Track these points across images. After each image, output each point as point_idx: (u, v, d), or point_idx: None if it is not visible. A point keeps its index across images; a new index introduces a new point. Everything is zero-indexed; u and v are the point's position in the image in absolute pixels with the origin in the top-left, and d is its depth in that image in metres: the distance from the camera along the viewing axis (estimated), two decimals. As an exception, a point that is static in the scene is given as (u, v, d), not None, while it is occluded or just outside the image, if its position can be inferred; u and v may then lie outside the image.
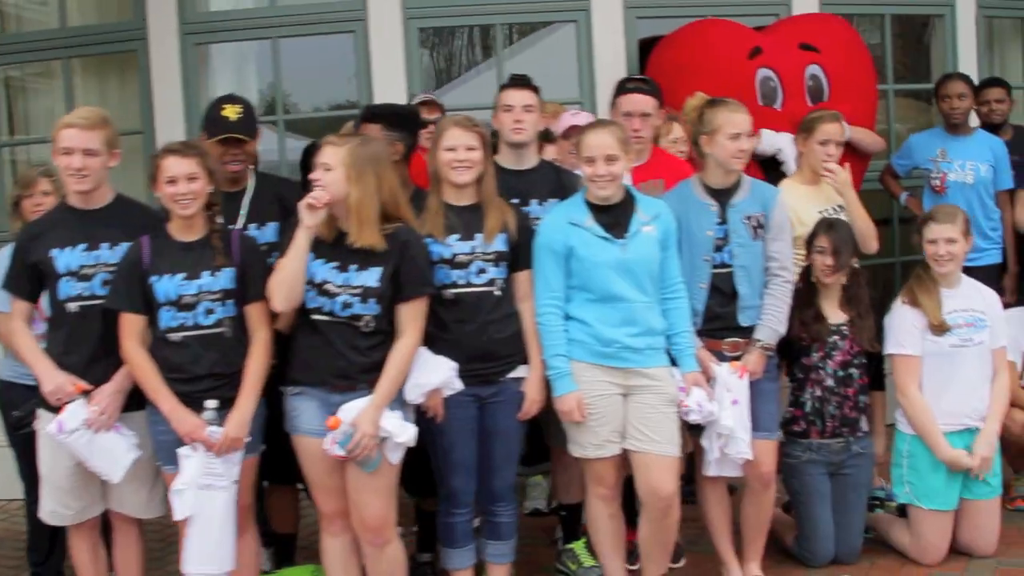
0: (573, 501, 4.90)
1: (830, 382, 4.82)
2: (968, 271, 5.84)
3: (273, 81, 6.59)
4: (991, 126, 6.34)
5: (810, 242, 4.84)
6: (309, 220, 3.99)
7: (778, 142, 5.74)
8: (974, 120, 6.28)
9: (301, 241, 4.00)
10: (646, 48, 6.41)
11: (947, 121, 6.16)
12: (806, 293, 4.84)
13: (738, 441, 4.50)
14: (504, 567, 4.55)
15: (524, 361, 4.40)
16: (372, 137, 4.37)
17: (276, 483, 4.81)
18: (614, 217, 4.38)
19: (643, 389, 4.36)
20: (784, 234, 4.62)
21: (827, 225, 4.84)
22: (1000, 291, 5.91)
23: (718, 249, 4.55)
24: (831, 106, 5.78)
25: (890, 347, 4.84)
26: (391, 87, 6.18)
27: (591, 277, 4.34)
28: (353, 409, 4.03)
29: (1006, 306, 5.58)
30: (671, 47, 6.18)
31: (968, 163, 6.06)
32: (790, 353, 4.83)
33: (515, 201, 4.69)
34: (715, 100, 4.60)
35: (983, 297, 4.93)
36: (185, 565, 4.09)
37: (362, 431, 3.97)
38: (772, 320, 4.56)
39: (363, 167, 4.04)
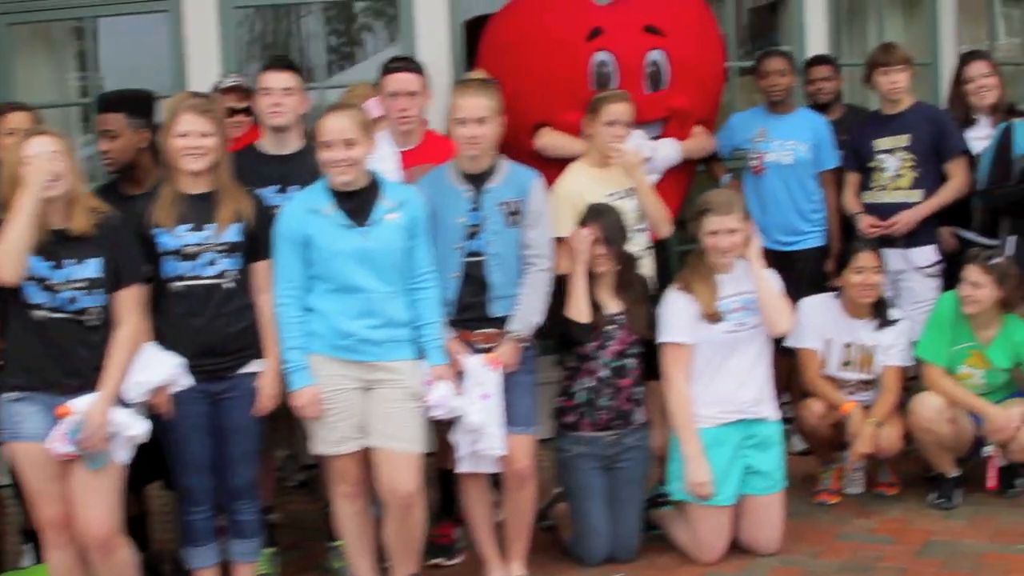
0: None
1: (604, 372, 4.65)
2: (790, 255, 5.75)
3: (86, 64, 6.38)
4: (819, 105, 6.14)
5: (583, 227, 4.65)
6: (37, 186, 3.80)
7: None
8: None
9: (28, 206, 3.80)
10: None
11: (767, 99, 5.96)
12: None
13: (489, 437, 4.35)
14: (249, 566, 4.40)
15: (260, 355, 4.24)
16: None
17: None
18: (357, 204, 4.21)
19: (384, 383, 4.21)
20: (541, 220, 4.45)
21: (595, 211, 4.66)
22: (824, 275, 5.77)
23: (471, 237, 4.39)
24: (668, 96, 5.61)
25: (661, 335, 4.66)
26: (206, 71, 5.97)
27: (329, 267, 4.18)
28: (83, 402, 3.88)
29: (822, 290, 5.45)
30: (506, 22, 5.92)
31: (788, 143, 5.87)
32: (563, 342, 4.65)
33: (275, 187, 4.53)
34: (460, 81, 4.42)
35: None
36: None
37: (93, 421, 3.82)
38: (527, 310, 4.39)
39: (73, 153, 3.91)
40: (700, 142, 5.81)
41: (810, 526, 5.05)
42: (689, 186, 5.98)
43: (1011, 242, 5.43)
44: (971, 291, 5.03)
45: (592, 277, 4.65)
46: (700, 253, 4.72)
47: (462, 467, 4.45)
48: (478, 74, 4.83)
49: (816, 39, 6.59)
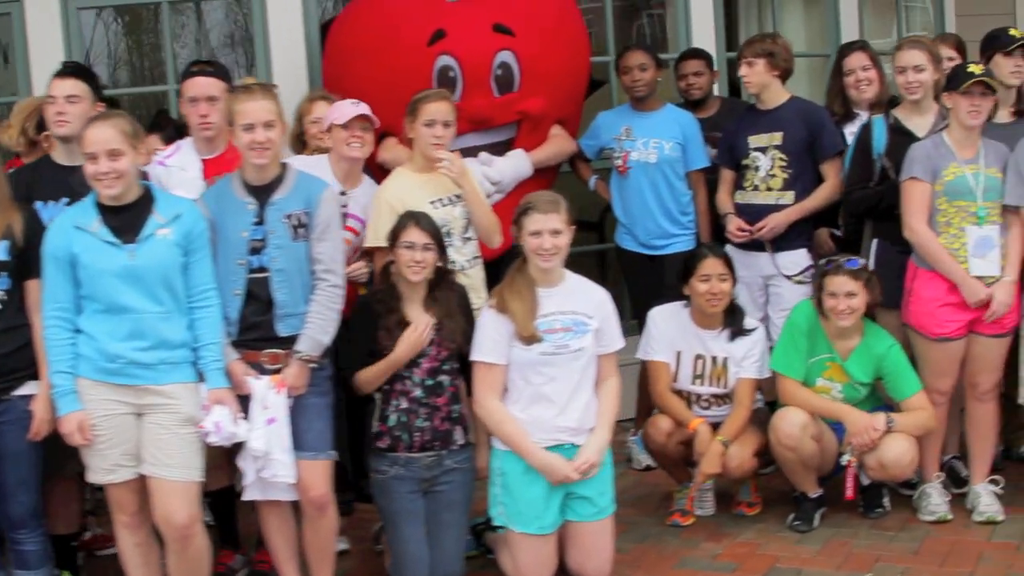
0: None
1: (417, 392, 4.36)
2: (658, 259, 5.45)
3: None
4: (693, 102, 5.82)
5: (394, 238, 4.37)
6: None
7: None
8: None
9: None
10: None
11: (630, 96, 5.65)
12: (386, 296, 4.39)
13: (275, 463, 4.09)
14: (35, 598, 4.17)
15: (36, 376, 4.01)
16: None
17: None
18: (125, 220, 3.97)
19: (157, 408, 3.96)
20: (330, 233, 4.18)
21: (413, 218, 4.37)
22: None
23: (255, 252, 4.12)
24: (520, 99, 5.32)
25: (473, 353, 4.36)
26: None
27: (96, 286, 3.94)
28: None
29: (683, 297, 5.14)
30: (347, 26, 5.61)
31: (652, 141, 5.56)
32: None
33: (66, 200, 4.29)
34: (235, 87, 4.17)
35: (590, 297, 4.43)
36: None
37: None
38: (314, 329, 4.12)
39: None
40: (555, 147, 5.52)
41: (655, 550, 4.76)
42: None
43: (874, 246, 5.09)
44: (846, 302, 4.69)
45: (401, 290, 4.36)
46: (520, 266, 4.41)
47: (250, 495, 4.19)
48: (251, 80, 4.57)
49: (703, 33, 6.25)
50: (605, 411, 4.40)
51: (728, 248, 5.42)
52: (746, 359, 4.91)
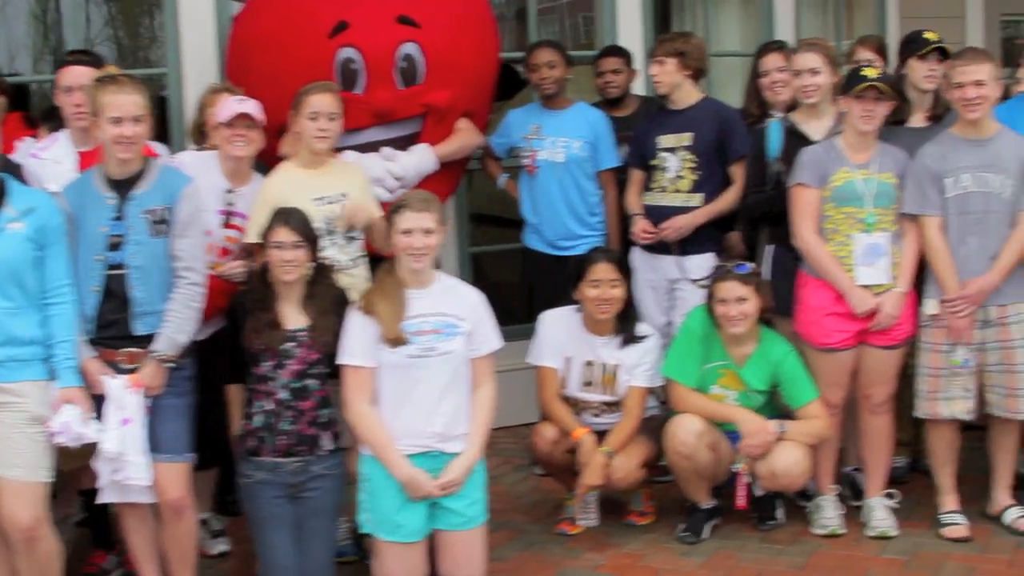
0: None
1: (283, 394, 4.26)
2: (566, 260, 5.34)
3: None
4: (610, 100, 5.71)
5: (265, 238, 4.27)
6: None
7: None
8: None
9: None
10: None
11: (539, 94, 5.53)
12: (262, 295, 4.29)
13: (131, 465, 4.00)
14: None
15: None
16: None
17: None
18: (-25, 213, 3.87)
19: (4, 407, 3.86)
20: (192, 230, 4.09)
21: (283, 216, 4.27)
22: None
23: (114, 248, 4.02)
24: (425, 92, 5.22)
25: (340, 356, 4.27)
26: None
27: (-56, 281, 3.83)
28: None
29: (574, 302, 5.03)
30: (249, 18, 5.48)
31: (560, 140, 5.45)
32: (243, 362, 4.29)
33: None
34: (102, 78, 4.07)
35: (462, 299, 4.33)
36: None
37: None
38: (172, 328, 4.03)
39: None
40: (461, 140, 5.39)
41: (536, 559, 4.67)
42: (454, 188, 5.60)
43: (770, 252, 4.97)
44: (737, 308, 4.58)
45: (276, 289, 4.27)
46: (389, 267, 4.31)
47: (105, 497, 4.10)
48: (114, 69, 4.46)
49: (630, 32, 6.12)
50: (476, 423, 4.29)
51: (635, 250, 5.34)
52: (637, 367, 4.80)
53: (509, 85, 5.65)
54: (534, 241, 5.57)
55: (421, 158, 5.25)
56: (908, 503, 4.95)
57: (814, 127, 4.88)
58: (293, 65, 5.08)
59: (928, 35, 4.95)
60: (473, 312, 4.32)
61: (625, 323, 4.83)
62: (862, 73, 4.58)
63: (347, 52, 5.12)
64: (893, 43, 6.93)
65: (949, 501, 4.79)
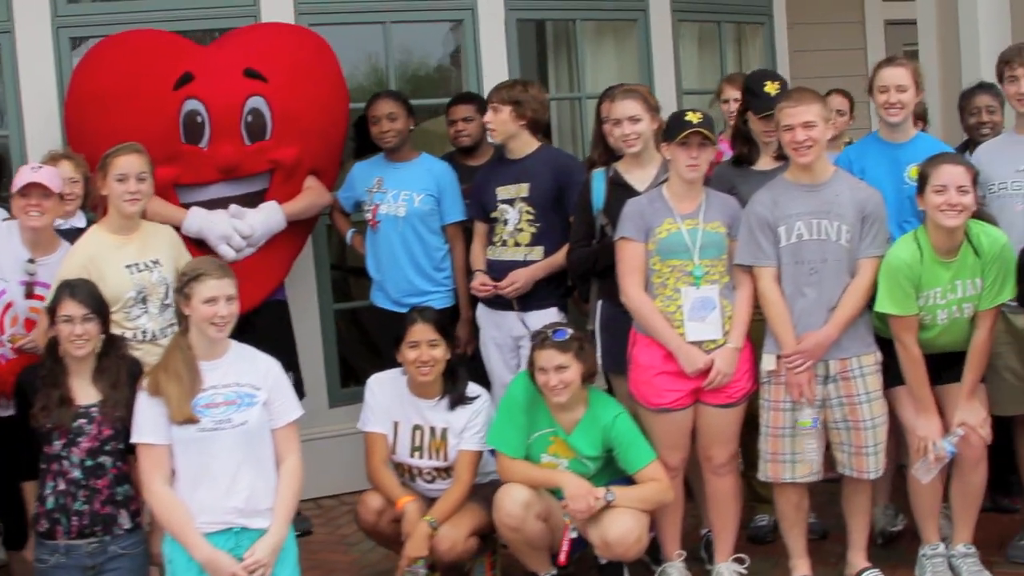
0: None
1: (76, 473, 4.03)
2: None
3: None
4: (464, 149, 5.51)
5: (52, 310, 4.06)
6: None
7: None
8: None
9: None
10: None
11: (381, 146, 5.34)
12: (52, 371, 4.08)
13: None
14: None
15: None
16: None
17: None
18: None
19: None
20: None
21: (68, 289, 4.07)
22: (456, 341, 5.15)
23: None
24: (272, 147, 5.07)
25: (133, 435, 4.04)
26: None
27: None
28: None
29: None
30: (90, 70, 5.30)
31: (402, 193, 5.25)
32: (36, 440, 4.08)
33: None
34: None
35: (257, 367, 4.11)
36: None
37: None
38: None
39: None
40: (309, 199, 5.28)
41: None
42: (301, 247, 5.42)
43: (598, 308, 4.75)
44: (557, 376, 4.35)
45: (67, 363, 4.06)
46: (179, 340, 4.08)
47: None
48: None
49: (495, 76, 5.90)
50: (281, 498, 4.06)
51: (480, 307, 5.12)
52: (467, 430, 4.57)
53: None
54: (379, 298, 5.36)
55: (269, 216, 5.11)
56: (765, 566, 4.69)
57: (638, 177, 4.67)
58: (136, 119, 4.96)
59: (768, 88, 4.74)
60: (267, 379, 4.10)
61: (453, 384, 4.60)
62: (685, 119, 4.36)
63: (192, 104, 5.03)
64: (784, 75, 6.79)
65: (800, 565, 4.54)
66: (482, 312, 5.11)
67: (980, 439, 4.41)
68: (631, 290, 4.43)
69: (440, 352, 4.52)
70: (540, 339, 4.40)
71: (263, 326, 5.30)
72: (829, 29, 7.24)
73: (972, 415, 4.39)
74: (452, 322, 5.27)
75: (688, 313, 4.37)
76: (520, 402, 4.47)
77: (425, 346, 4.50)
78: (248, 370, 4.08)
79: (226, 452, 3.98)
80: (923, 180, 4.28)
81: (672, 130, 4.38)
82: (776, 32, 6.98)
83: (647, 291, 4.44)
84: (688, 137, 4.32)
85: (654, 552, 4.66)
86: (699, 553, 4.77)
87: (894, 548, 4.81)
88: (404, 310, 5.18)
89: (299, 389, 5.47)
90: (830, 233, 4.34)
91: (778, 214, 4.36)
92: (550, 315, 4.95)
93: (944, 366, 4.43)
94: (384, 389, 4.65)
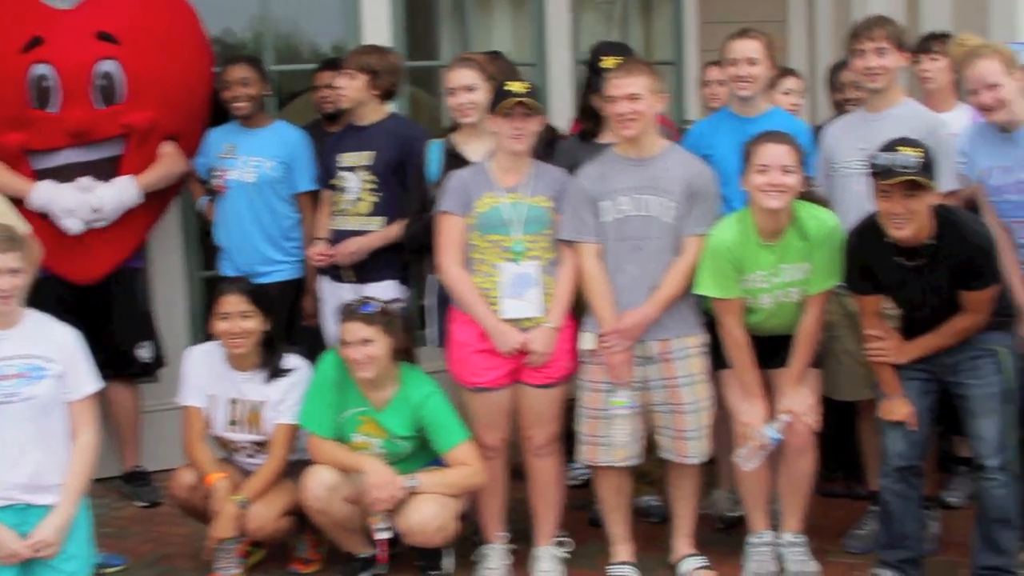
0: None
1: None
2: (260, 288, 4.99)
3: None
4: (328, 116, 5.39)
5: None
6: None
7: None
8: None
9: None
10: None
11: (233, 113, 5.21)
12: None
13: None
14: None
15: None
16: None
17: None
18: None
19: None
20: None
21: None
22: (300, 313, 5.05)
23: None
24: (125, 111, 4.99)
25: None
26: None
27: None
28: None
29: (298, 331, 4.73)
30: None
31: (253, 159, 5.12)
32: None
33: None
34: None
35: (51, 339, 4.01)
36: None
37: None
38: None
39: None
40: (165, 168, 5.19)
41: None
42: (158, 217, 5.32)
43: (432, 283, 4.62)
44: (361, 351, 4.23)
45: None
46: None
47: None
48: None
49: (378, 40, 5.73)
50: (72, 475, 3.99)
51: (322, 278, 5.01)
52: (283, 402, 4.45)
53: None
54: (227, 267, 5.23)
55: (122, 192, 5.06)
56: (588, 549, 4.58)
57: (474, 148, 4.52)
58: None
59: (605, 62, 4.58)
60: (63, 352, 4.00)
61: (270, 356, 4.48)
62: (507, 88, 4.21)
63: (40, 68, 4.94)
64: (692, 49, 6.62)
65: (621, 551, 4.42)
66: (325, 283, 5.00)
67: (805, 426, 4.26)
68: (447, 265, 4.30)
69: (252, 324, 4.41)
70: (346, 311, 4.28)
71: (118, 293, 5.23)
72: (746, 1, 7.00)
73: (798, 401, 4.24)
74: (301, 294, 5.18)
75: (506, 290, 4.23)
76: (330, 379, 4.35)
77: (237, 317, 4.39)
78: (41, 341, 3.99)
79: (14, 426, 3.90)
80: (746, 159, 4.12)
81: (495, 100, 4.23)
82: (685, 3, 6.77)
83: (467, 267, 4.30)
84: (512, 108, 4.17)
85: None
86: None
87: (733, 534, 4.66)
88: (253, 280, 5.08)
89: (158, 359, 5.40)
90: (654, 209, 4.19)
91: (603, 188, 4.22)
92: (388, 287, 4.83)
93: (774, 350, 4.28)
94: (201, 362, 4.54)
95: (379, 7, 5.83)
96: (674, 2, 6.82)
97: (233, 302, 4.39)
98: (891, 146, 3.87)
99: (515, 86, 4.21)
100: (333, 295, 4.92)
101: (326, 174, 4.99)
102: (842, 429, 4.74)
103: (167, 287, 5.66)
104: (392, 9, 5.87)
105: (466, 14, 6.30)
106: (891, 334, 4.10)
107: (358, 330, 4.21)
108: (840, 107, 5.11)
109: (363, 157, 4.85)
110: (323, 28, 6.45)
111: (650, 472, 4.76)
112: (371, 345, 4.20)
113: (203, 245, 5.75)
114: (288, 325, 5.08)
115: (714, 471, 4.78)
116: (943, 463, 5.06)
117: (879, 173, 3.85)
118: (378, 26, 5.84)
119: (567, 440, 4.45)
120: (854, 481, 4.98)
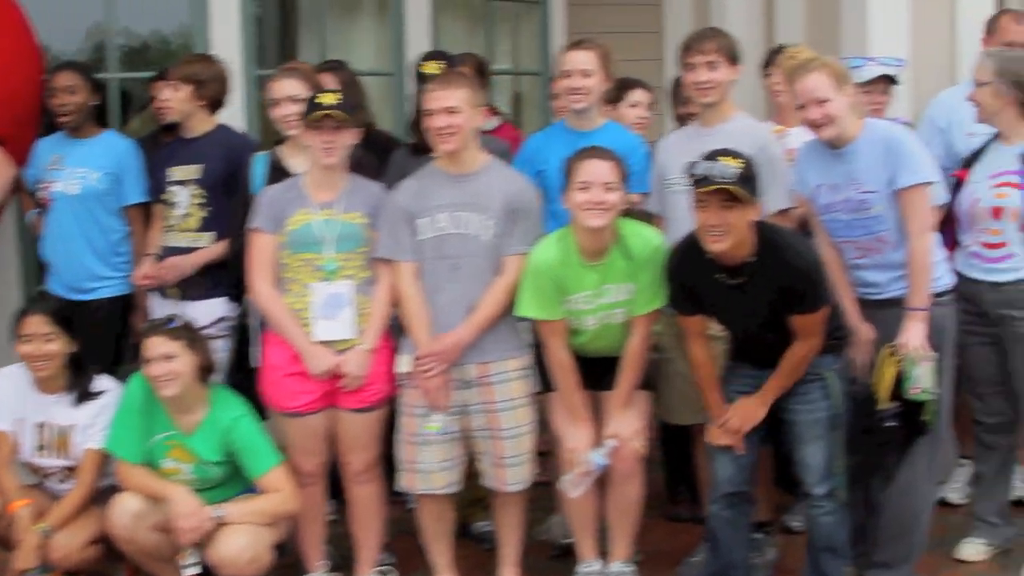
0: None
1: None
2: (86, 306, 4.82)
3: None
4: (165, 127, 5.19)
5: None
6: None
7: None
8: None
9: None
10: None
11: (59, 121, 5.00)
12: None
13: None
14: None
15: None
16: None
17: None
18: None
19: None
20: None
21: None
22: (126, 332, 4.86)
23: None
24: None
25: None
26: None
27: None
28: None
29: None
30: None
31: (79, 170, 4.90)
32: None
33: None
34: None
35: None
36: None
37: None
38: None
39: None
40: None
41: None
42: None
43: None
44: (164, 367, 4.05)
45: None
46: None
47: None
48: None
49: (228, 46, 5.56)
50: None
51: (151, 293, 4.82)
52: (92, 427, 4.27)
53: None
54: (55, 284, 5.00)
55: None
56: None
57: (299, 162, 4.36)
58: None
59: (424, 68, 4.45)
60: None
61: (78, 379, 4.29)
62: (317, 100, 4.05)
63: None
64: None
65: (444, 582, 4.27)
66: (154, 300, 4.81)
67: (632, 451, 4.13)
68: (258, 285, 4.14)
69: (56, 346, 4.22)
70: (148, 327, 4.11)
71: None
72: (619, 11, 6.88)
73: (624, 425, 4.12)
74: (128, 311, 4.98)
75: (318, 310, 4.08)
76: (137, 402, 4.17)
77: (39, 340, 4.20)
78: None
79: None
80: (567, 176, 3.98)
81: (306, 112, 4.07)
82: (551, 12, 6.64)
83: (280, 286, 4.14)
84: (320, 120, 4.01)
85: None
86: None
87: (568, 561, 4.52)
88: (81, 297, 4.91)
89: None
90: (472, 227, 4.05)
91: (421, 205, 4.08)
92: (215, 305, 4.65)
93: (603, 372, 4.15)
94: (7, 384, 4.35)
95: (229, 13, 5.64)
96: (541, 11, 6.69)
97: (35, 323, 4.19)
98: (712, 155, 3.76)
99: (325, 98, 4.06)
100: (162, 312, 4.72)
101: (157, 188, 4.79)
102: (686, 451, 4.63)
103: (2, 303, 5.42)
104: (242, 16, 5.68)
105: (323, 22, 6.12)
106: (716, 372, 4.00)
107: (159, 345, 4.03)
108: (683, 120, 4.99)
109: (192, 171, 4.68)
110: (172, 36, 6.22)
111: (484, 497, 4.60)
112: (174, 361, 4.03)
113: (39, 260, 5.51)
114: (117, 342, 4.87)
115: (553, 495, 4.63)
116: (786, 486, 4.95)
117: (697, 182, 3.73)
118: (228, 32, 5.67)
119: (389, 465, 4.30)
120: (699, 505, 4.85)
